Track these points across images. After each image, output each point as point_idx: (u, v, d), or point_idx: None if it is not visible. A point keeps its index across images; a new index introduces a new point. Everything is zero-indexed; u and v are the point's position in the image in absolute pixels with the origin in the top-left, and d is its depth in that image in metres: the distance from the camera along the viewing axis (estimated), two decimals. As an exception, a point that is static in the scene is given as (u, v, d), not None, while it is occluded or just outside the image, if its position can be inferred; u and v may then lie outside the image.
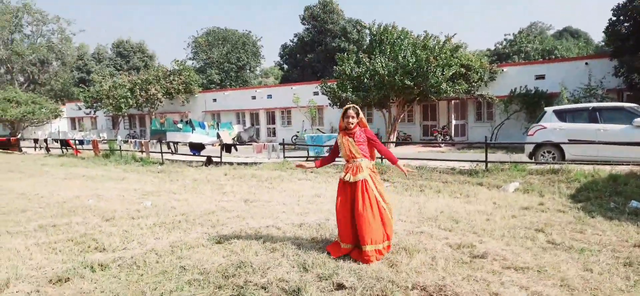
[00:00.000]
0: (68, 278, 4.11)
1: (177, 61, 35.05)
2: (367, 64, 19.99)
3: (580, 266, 4.23)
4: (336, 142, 4.75)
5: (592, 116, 10.62)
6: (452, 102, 22.47)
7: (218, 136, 24.71)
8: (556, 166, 9.11)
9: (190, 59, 51.26)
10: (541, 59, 38.93)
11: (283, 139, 19.38)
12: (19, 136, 27.45)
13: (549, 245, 4.94)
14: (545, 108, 11.54)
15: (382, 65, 18.96)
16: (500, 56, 44.36)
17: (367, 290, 3.70)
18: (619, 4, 18.22)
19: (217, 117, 32.48)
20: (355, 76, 20.21)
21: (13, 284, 3.93)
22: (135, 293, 3.72)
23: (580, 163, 9.63)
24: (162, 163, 14.83)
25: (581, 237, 5.18)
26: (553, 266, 4.21)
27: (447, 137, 21.09)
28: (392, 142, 19.84)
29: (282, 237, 5.34)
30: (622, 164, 9.24)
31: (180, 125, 26.67)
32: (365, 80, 19.81)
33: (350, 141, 4.54)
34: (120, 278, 4.12)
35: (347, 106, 4.58)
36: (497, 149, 17.29)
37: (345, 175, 4.55)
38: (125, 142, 18.86)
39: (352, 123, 4.53)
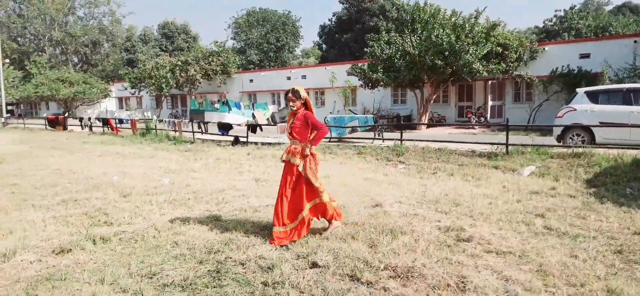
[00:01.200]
0: (70, 249, 4.45)
1: (217, 42, 35.82)
2: (398, 43, 19.65)
3: (566, 252, 4.12)
4: None
5: (626, 98, 10.02)
6: (489, 82, 21.69)
7: (253, 116, 25.18)
8: (579, 150, 8.71)
9: (231, 39, 52.22)
10: (594, 37, 36.63)
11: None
12: (67, 115, 29.17)
13: (544, 230, 4.82)
14: (577, 90, 10.98)
15: (413, 45, 18.57)
16: (549, 33, 42.08)
17: (339, 269, 3.79)
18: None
19: (254, 97, 33.06)
20: (386, 57, 19.92)
21: (19, 253, 4.32)
22: (121, 265, 4.00)
23: (611, 147, 9.16)
24: (192, 142, 15.40)
25: (581, 223, 5.01)
26: (537, 252, 4.13)
27: (482, 118, 20.45)
28: (424, 124, 19.55)
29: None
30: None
31: (217, 106, 27.38)
32: (396, 60, 19.51)
33: (290, 123, 4.65)
34: (115, 251, 4.42)
35: (288, 89, 4.65)
36: (532, 132, 16.62)
37: (285, 156, 4.66)
38: (161, 121, 19.65)
39: (293, 107, 4.58)
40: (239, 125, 15.73)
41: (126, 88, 36.96)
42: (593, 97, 10.41)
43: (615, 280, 3.47)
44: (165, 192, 7.32)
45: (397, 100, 25.78)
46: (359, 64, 21.77)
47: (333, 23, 47.77)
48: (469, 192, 6.77)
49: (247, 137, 14.80)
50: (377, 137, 13.93)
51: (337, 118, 14.77)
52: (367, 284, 3.50)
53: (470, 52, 17.34)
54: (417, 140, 11.95)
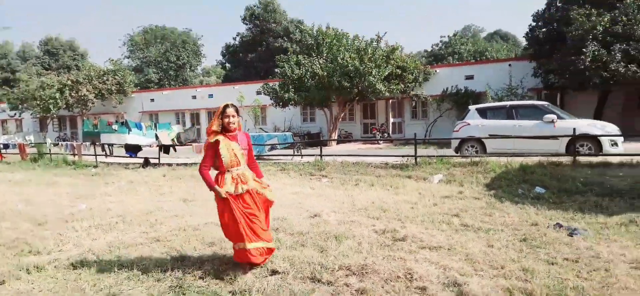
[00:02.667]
0: (3, 280, 4.14)
1: (113, 60, 33.72)
2: (307, 65, 20.55)
3: (484, 243, 4.88)
4: (210, 147, 4.01)
5: (509, 113, 11.73)
6: (390, 101, 23.50)
7: (156, 137, 24.14)
8: (476, 158, 10.02)
9: (126, 57, 49.39)
10: (473, 60, 41.54)
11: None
12: None
13: (461, 227, 5.59)
14: (469, 107, 12.55)
15: (321, 67, 19.55)
16: (436, 57, 46.59)
17: (298, 273, 4.08)
18: (537, 11, 20.00)
19: (155, 117, 31.65)
20: (296, 77, 20.63)
21: (-56, 288, 3.92)
22: (74, 290, 3.86)
23: (499, 156, 10.62)
24: (95, 166, 14.40)
25: (489, 219, 5.90)
26: (461, 244, 4.82)
27: (385, 134, 22.06)
28: (334, 140, 20.51)
29: (221, 233, 5.59)
30: (537, 155, 10.28)
31: (115, 127, 25.72)
32: (306, 80, 20.30)
33: (234, 146, 4.02)
34: (57, 278, 4.21)
35: (225, 103, 4.10)
36: (430, 145, 18.39)
37: (232, 187, 3.97)
38: (55, 144, 18.05)
39: (234, 123, 4.02)
40: (150, 146, 15.11)
41: (4, 111, 32.99)
42: (483, 113, 12.00)
43: (526, 261, 4.25)
44: (87, 217, 6.93)
45: (306, 119, 26.62)
46: (271, 84, 22.19)
47: (237, 43, 47.72)
48: (391, 199, 7.47)
49: (158, 158, 14.28)
50: (296, 153, 14.39)
51: (256, 136, 14.96)
52: (328, 283, 3.84)
53: (373, 74, 18.77)
54: (335, 155, 12.62)
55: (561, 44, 17.37)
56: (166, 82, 47.48)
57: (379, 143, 20.19)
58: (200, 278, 4.09)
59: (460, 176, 8.98)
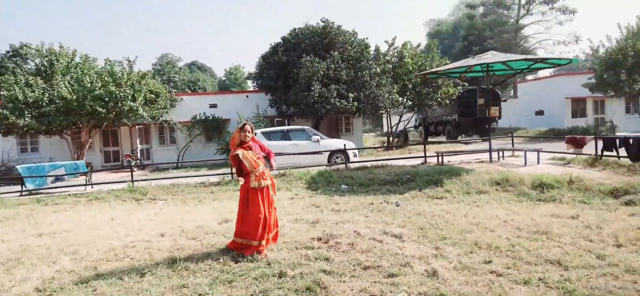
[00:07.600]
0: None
1: None
2: (44, 87, 18.78)
3: (363, 216, 7.67)
4: (237, 157, 5.61)
5: (285, 136, 15.18)
6: (136, 127, 23.55)
7: None
8: (282, 171, 12.82)
9: None
10: (189, 90, 44.63)
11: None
12: None
13: (335, 211, 8.23)
14: (255, 131, 15.29)
15: (69, 90, 18.33)
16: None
17: (297, 245, 5.79)
18: (264, 53, 24.73)
19: None
20: (31, 101, 18.32)
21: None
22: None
23: (285, 170, 13.69)
24: None
25: (344, 206, 8.74)
26: (353, 218, 7.45)
27: (137, 161, 22.07)
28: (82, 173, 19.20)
29: (166, 243, 6.35)
30: (308, 167, 13.82)
31: None
32: (44, 105, 18.36)
33: (250, 154, 5.65)
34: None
35: (243, 122, 5.95)
36: (186, 168, 20.05)
37: (256, 183, 5.62)
38: None
39: (249, 136, 5.66)
40: None
41: None
42: (267, 136, 15.02)
43: (398, 219, 7.29)
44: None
45: (25, 149, 23.04)
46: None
47: None
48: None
49: None
50: (88, 182, 13.47)
51: (33, 167, 12.95)
52: (309, 248, 5.79)
53: (130, 98, 19.03)
54: (141, 180, 12.91)
55: (291, 82, 22.34)
56: None
57: (133, 171, 20.12)
58: (224, 264, 5.23)
59: (283, 185, 11.54)
